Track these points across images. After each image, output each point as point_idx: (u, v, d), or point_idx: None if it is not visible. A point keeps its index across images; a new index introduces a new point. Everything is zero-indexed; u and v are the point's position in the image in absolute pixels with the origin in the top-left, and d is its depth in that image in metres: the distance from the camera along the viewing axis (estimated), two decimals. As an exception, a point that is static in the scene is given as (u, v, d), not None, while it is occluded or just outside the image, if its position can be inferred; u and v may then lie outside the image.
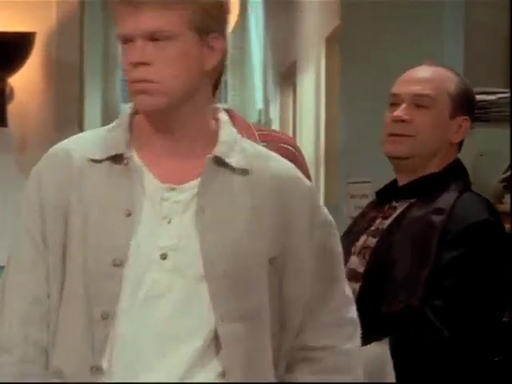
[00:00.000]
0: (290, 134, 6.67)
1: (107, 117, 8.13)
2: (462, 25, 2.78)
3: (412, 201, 2.07)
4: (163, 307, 1.45)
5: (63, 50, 4.14)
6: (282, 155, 1.61)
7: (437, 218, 1.98)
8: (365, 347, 1.91)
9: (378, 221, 2.12)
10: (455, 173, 2.10)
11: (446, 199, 2.01)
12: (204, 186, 1.48)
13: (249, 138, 1.66)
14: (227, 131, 1.52)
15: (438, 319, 1.92)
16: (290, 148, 1.81)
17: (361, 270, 2.08)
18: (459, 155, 2.59)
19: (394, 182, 2.15)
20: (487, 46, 2.80)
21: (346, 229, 2.25)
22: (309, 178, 1.68)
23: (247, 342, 1.47)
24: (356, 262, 2.11)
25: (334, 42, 5.01)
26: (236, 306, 1.46)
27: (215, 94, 1.55)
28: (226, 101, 9.32)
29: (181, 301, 1.46)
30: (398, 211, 2.08)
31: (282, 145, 1.80)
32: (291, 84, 6.55)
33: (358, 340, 1.62)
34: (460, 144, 2.14)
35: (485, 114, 2.55)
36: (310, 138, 5.53)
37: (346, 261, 2.06)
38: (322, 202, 5.17)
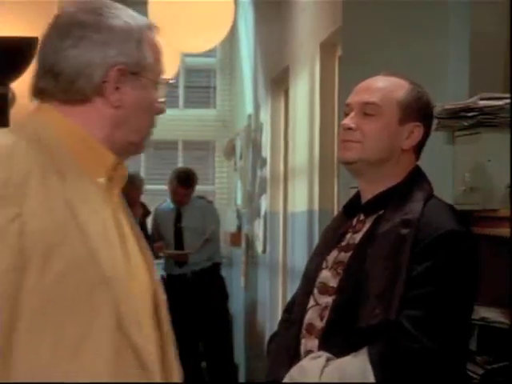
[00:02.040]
0: (282, 139, 6.68)
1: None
2: (468, 28, 2.79)
3: (380, 213, 2.13)
4: None
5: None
6: None
7: (405, 231, 2.04)
8: (342, 359, 2.03)
9: (348, 235, 2.17)
10: (416, 181, 2.15)
11: (412, 210, 2.07)
12: None
13: None
14: None
15: (414, 328, 1.97)
16: None
17: (332, 283, 2.13)
18: (468, 161, 2.60)
19: (359, 193, 2.21)
20: (493, 50, 2.81)
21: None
22: None
23: None
24: (328, 276, 2.15)
25: (329, 47, 5.03)
26: None
27: None
28: (214, 105, 9.33)
29: None
30: (368, 225, 2.14)
31: None
32: (283, 89, 6.56)
33: None
34: (418, 151, 2.19)
35: (492, 120, 2.55)
36: (303, 143, 5.53)
37: (317, 275, 2.18)
38: (317, 206, 5.13)
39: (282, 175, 6.58)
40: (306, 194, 5.36)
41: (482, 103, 2.57)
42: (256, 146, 7.29)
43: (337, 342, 2.05)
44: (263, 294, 6.88)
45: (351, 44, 3.30)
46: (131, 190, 6.87)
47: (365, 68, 3.06)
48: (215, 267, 7.09)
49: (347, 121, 2.15)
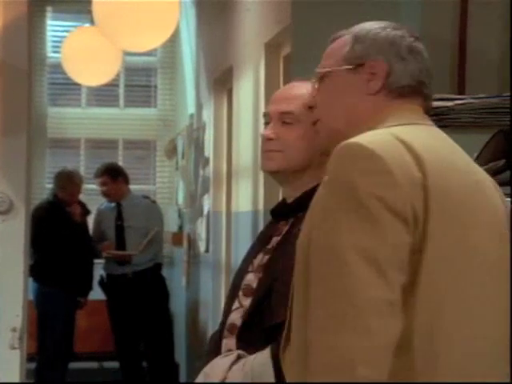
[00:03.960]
0: (225, 138, 6.68)
1: (35, 121, 8.04)
2: (418, 29, 2.82)
3: (299, 215, 2.15)
4: None
5: (11, 53, 4.06)
6: None
7: None
8: (250, 356, 2.10)
9: (274, 239, 2.22)
10: None
11: None
12: None
13: None
14: None
15: None
16: None
17: (255, 285, 2.19)
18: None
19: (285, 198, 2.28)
20: (443, 50, 2.85)
21: None
22: None
23: None
24: (252, 279, 2.21)
25: (273, 47, 5.04)
26: None
27: None
28: (155, 104, 9.28)
29: None
30: (288, 227, 2.20)
31: None
32: (226, 89, 6.56)
33: None
34: None
35: (442, 120, 2.60)
36: (247, 142, 5.54)
37: (243, 278, 2.24)
38: (262, 206, 5.14)
39: (226, 175, 6.58)
40: (251, 194, 5.37)
41: (433, 104, 2.61)
42: (198, 146, 7.28)
43: (252, 340, 2.10)
44: (206, 294, 6.88)
45: (300, 43, 3.31)
46: (70, 188, 6.81)
47: (314, 67, 3.08)
48: (156, 268, 7.07)
49: (267, 131, 2.20)
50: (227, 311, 2.24)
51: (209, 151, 6.91)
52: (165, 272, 7.34)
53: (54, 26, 9.22)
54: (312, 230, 1.60)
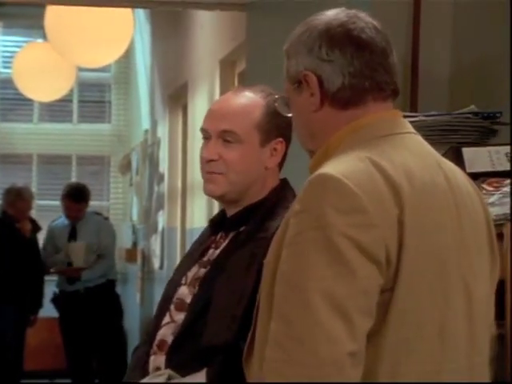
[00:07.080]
0: (180, 154, 6.68)
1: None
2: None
3: (240, 230, 2.07)
4: None
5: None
6: None
7: (258, 250, 1.95)
8: (182, 379, 1.97)
9: (210, 251, 2.11)
10: (281, 197, 2.07)
11: (268, 229, 1.98)
12: None
13: None
14: None
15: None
16: None
17: (188, 300, 2.07)
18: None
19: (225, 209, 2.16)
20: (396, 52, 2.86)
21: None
22: None
23: None
24: (185, 293, 2.09)
25: (228, 64, 5.06)
26: None
27: None
28: (109, 120, 9.24)
29: None
30: (227, 241, 2.09)
31: None
32: (181, 105, 6.56)
33: None
34: (280, 165, 2.12)
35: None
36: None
37: (175, 291, 2.10)
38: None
39: (180, 191, 6.57)
40: (205, 210, 5.37)
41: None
42: (153, 162, 7.27)
43: (182, 358, 2.00)
44: (160, 311, 6.85)
45: (255, 60, 3.32)
46: (19, 204, 6.74)
47: (268, 83, 3.09)
48: (110, 284, 7.02)
49: (207, 152, 2.06)
50: (156, 325, 2.09)
51: (163, 167, 6.89)
52: (119, 288, 7.30)
53: (4, 41, 9.16)
54: (280, 257, 1.47)
